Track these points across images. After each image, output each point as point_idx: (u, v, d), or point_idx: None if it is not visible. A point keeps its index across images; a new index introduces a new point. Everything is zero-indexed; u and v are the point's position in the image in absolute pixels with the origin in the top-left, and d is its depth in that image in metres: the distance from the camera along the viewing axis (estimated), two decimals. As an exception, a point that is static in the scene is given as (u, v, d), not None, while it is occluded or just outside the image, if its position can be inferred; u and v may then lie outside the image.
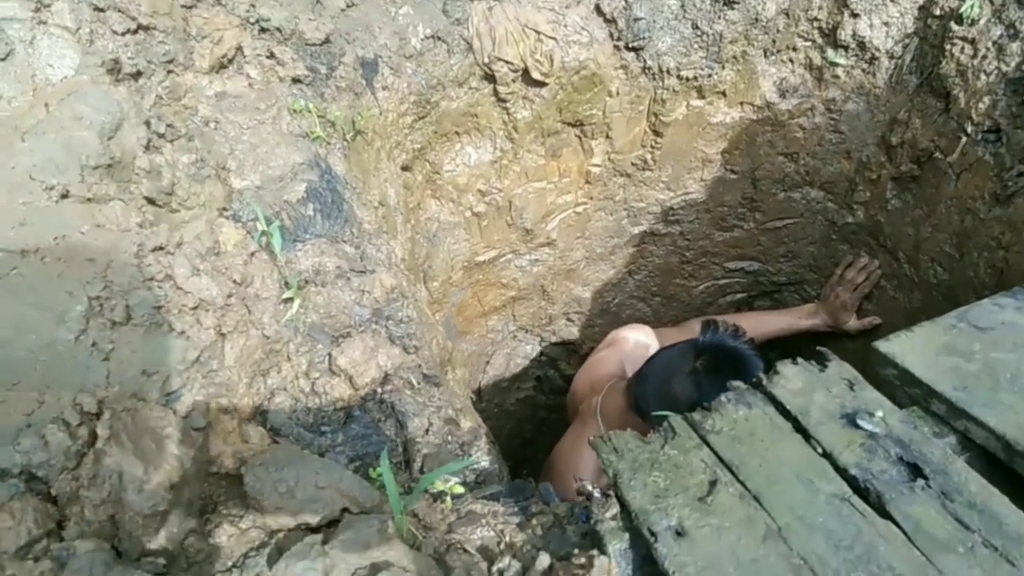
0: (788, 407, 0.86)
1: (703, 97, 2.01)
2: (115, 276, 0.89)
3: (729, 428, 0.85)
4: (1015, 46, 1.75)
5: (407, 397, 1.04)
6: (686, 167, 2.14)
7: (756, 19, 1.91)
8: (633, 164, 2.09)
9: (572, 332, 2.44)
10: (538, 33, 1.74)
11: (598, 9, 1.80)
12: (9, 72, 1.10)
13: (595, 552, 0.76)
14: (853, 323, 2.23)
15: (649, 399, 1.64)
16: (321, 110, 1.41)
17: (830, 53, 2.00)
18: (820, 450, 0.82)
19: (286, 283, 1.09)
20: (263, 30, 1.43)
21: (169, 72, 1.25)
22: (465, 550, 0.78)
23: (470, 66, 1.72)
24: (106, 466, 0.68)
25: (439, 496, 0.87)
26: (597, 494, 0.81)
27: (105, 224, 0.96)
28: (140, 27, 1.23)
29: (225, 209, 1.16)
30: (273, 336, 1.02)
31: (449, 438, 1.04)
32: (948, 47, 1.86)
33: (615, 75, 1.89)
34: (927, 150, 1.96)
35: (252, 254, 1.11)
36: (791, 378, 0.92)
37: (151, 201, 1.05)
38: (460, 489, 0.87)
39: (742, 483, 0.79)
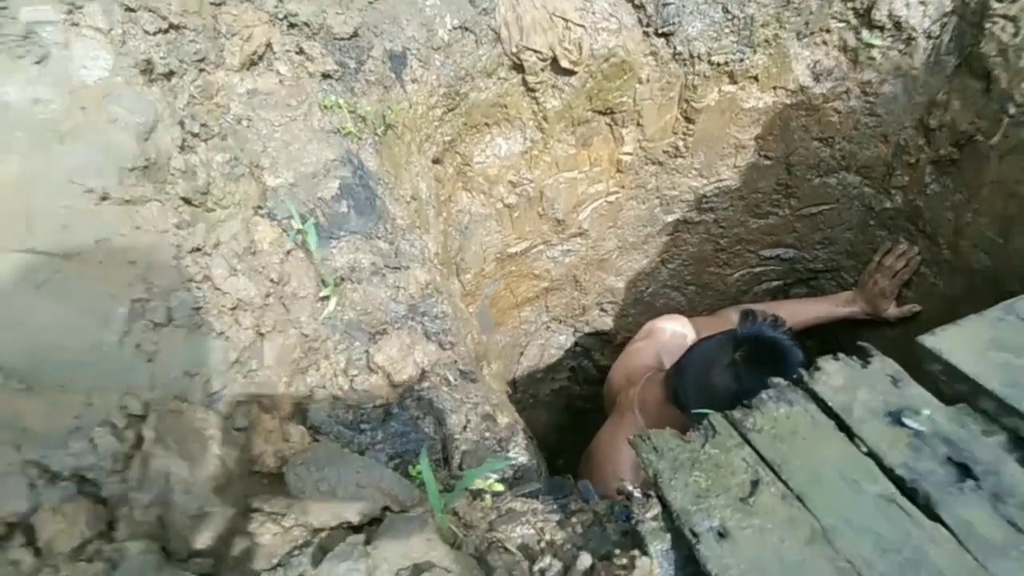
0: (830, 404, 0.85)
1: (735, 82, 1.97)
2: (155, 278, 0.90)
3: (770, 426, 0.84)
4: (1060, 23, 1.70)
5: (444, 394, 1.04)
6: (719, 154, 2.11)
7: (788, 1, 1.87)
8: (665, 152, 2.06)
9: (606, 322, 2.43)
10: (566, 21, 1.72)
11: (627, -5, 1.78)
12: (45, 75, 1.11)
13: (636, 553, 0.75)
14: (892, 311, 2.19)
15: (688, 391, 1.63)
16: (351, 105, 1.41)
17: (865, 34, 1.96)
18: (864, 449, 0.80)
19: (323, 281, 1.10)
20: (292, 25, 1.43)
21: (201, 71, 1.25)
22: (506, 549, 0.78)
23: (498, 56, 1.71)
24: (153, 468, 0.69)
25: (478, 494, 0.87)
26: (638, 494, 0.80)
27: (143, 226, 0.96)
28: (171, 26, 1.23)
29: (260, 207, 1.17)
30: (311, 334, 1.03)
31: (487, 434, 1.04)
32: (988, 25, 1.80)
33: (645, 62, 1.86)
34: (967, 133, 1.91)
35: (288, 252, 1.11)
36: (833, 374, 0.90)
37: (187, 201, 1.06)
38: (500, 487, 0.87)
39: (784, 483, 0.78)
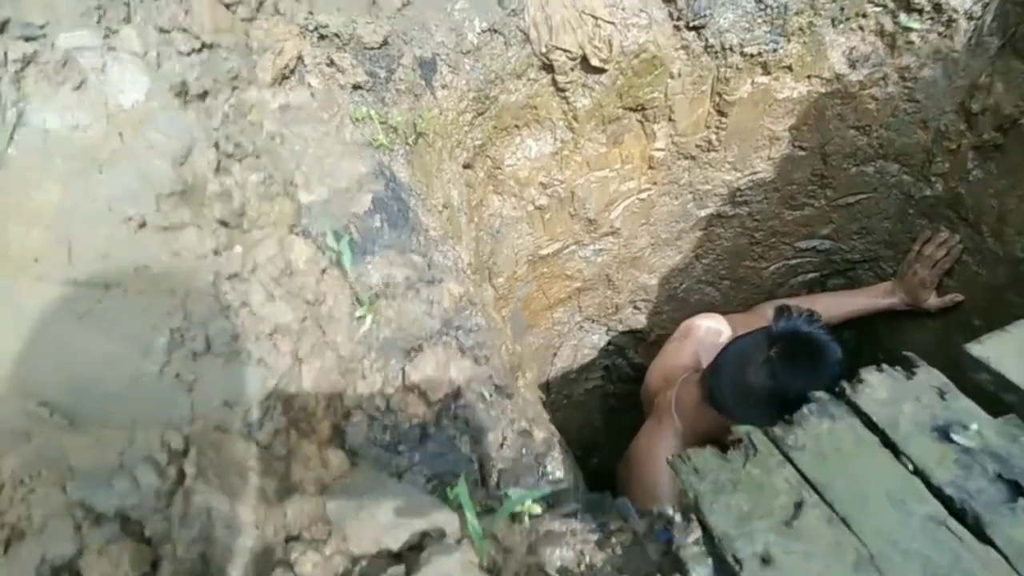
0: (875, 419, 0.83)
1: (768, 73, 1.94)
2: (194, 306, 0.92)
3: (813, 443, 0.82)
4: (1109, 1, 1.64)
5: (480, 411, 1.05)
6: (752, 146, 2.08)
7: (823, -13, 1.83)
8: (697, 146, 2.04)
9: (639, 320, 2.41)
10: (595, 18, 1.70)
11: (656, -11, 1.75)
12: (84, 101, 1.13)
13: (679, 577, 0.75)
14: (933, 300, 2.15)
15: (724, 391, 1.62)
16: (383, 116, 1.41)
17: (903, 18, 1.90)
18: (911, 467, 0.78)
19: (358, 299, 1.10)
20: (322, 37, 1.43)
21: (234, 89, 1.26)
22: (546, 574, 0.78)
23: (528, 57, 1.70)
24: (195, 504, 0.71)
25: (517, 516, 0.87)
26: (678, 519, 0.79)
27: (182, 252, 0.98)
28: (204, 45, 1.24)
29: (295, 225, 1.18)
30: (348, 355, 1.03)
31: (523, 451, 1.04)
32: (1033, 5, 1.75)
33: (676, 56, 1.83)
34: (1011, 116, 1.85)
35: (323, 271, 1.12)
36: (876, 387, 0.88)
37: (224, 224, 1.07)
38: (538, 509, 0.87)
39: (829, 505, 0.77)
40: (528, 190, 1.91)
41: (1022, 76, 1.81)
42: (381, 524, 0.80)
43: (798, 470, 0.81)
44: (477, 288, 1.49)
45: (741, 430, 1.64)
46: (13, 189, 1.00)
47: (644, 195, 2.11)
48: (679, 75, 1.85)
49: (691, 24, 1.77)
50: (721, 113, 1.97)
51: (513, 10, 1.63)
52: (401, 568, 0.74)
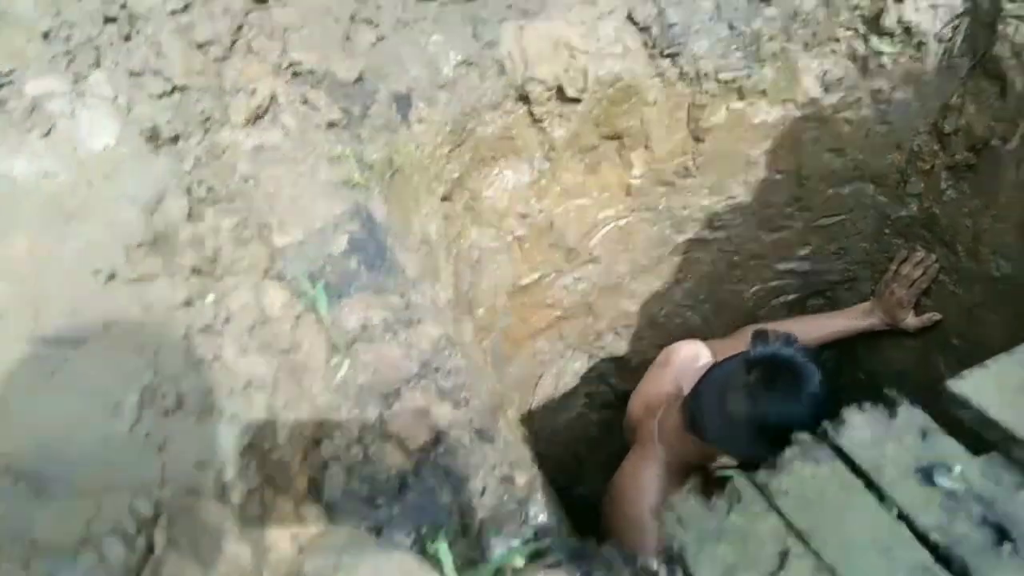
0: (858, 462, 0.83)
1: (743, 98, 1.95)
2: (165, 362, 0.90)
3: (797, 489, 0.82)
4: (1075, 24, 1.66)
5: (461, 459, 1.03)
6: (729, 171, 2.09)
7: (795, 13, 1.84)
8: (674, 172, 2.04)
9: (621, 346, 2.41)
10: (571, 49, 1.70)
11: (631, 18, 1.75)
12: (52, 148, 1.11)
13: (666, 633, 0.73)
14: (911, 320, 2.16)
15: (705, 418, 1.62)
16: (358, 153, 1.40)
17: (874, 41, 1.93)
18: (896, 512, 0.78)
19: (334, 346, 1.08)
20: (296, 75, 1.42)
21: (207, 131, 1.25)
22: (531, 631, 0.77)
23: (504, 88, 1.69)
24: None
25: (499, 571, 0.86)
26: (663, 573, 0.78)
27: (152, 304, 0.96)
28: (176, 88, 1.23)
29: (269, 270, 1.16)
30: (324, 405, 1.02)
31: (506, 497, 1.03)
32: (1001, 27, 1.77)
33: (651, 84, 1.84)
34: (983, 137, 1.87)
35: (298, 317, 1.10)
36: (859, 427, 0.88)
37: (196, 271, 1.06)
38: (521, 562, 0.86)
39: (815, 554, 0.76)
40: (507, 220, 1.90)
41: (993, 97, 1.83)
42: (361, 585, 0.78)
43: (783, 517, 0.80)
44: (457, 325, 1.47)
45: (724, 460, 1.63)
46: (-21, 242, 0.98)
47: (623, 222, 2.11)
48: (655, 103, 1.86)
49: (665, 52, 1.78)
50: (697, 139, 1.97)
51: (488, 42, 1.63)
52: (381, 634, 0.72)
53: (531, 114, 1.76)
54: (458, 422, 1.10)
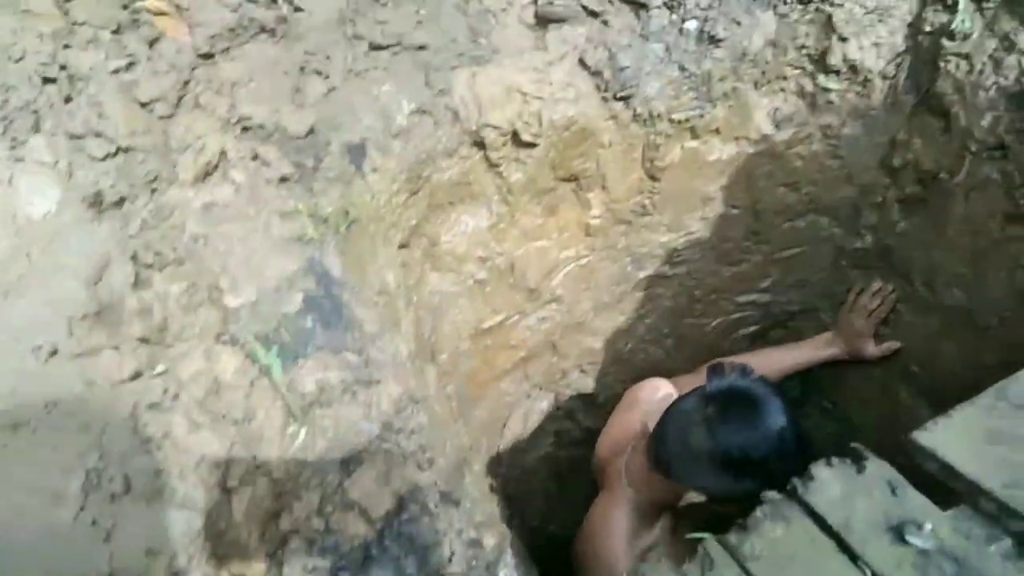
0: (829, 521, 0.82)
1: (697, 137, 1.97)
2: (111, 442, 0.86)
3: (769, 551, 0.80)
4: (1012, 59, 1.71)
5: (426, 525, 1.00)
6: (686, 208, 2.10)
7: (743, 54, 1.87)
8: (632, 211, 2.05)
9: (587, 383, 2.39)
10: (524, 95, 1.70)
11: (582, 63, 1.76)
12: (-11, 216, 1.07)
13: None
14: (872, 349, 2.18)
15: (668, 456, 1.62)
16: (311, 208, 1.37)
17: (821, 79, 1.96)
18: (870, 573, 0.77)
19: (291, 412, 1.05)
20: (245, 129, 1.40)
21: (153, 192, 1.21)
22: None
23: (459, 135, 1.69)
24: None
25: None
26: (637, 648, 0.76)
27: (97, 380, 0.92)
28: (120, 149, 1.20)
29: (222, 334, 1.12)
30: (282, 476, 0.98)
31: (474, 562, 1.00)
32: (942, 64, 1.81)
33: (605, 126, 1.85)
34: (931, 171, 1.91)
35: (252, 383, 1.07)
36: (828, 482, 0.87)
37: (144, 341, 1.02)
38: (491, 638, 0.83)
39: (789, 619, 0.74)
40: (466, 265, 1.89)
41: (938, 132, 1.87)
42: (323, 674, 0.74)
43: (755, 582, 0.78)
44: (420, 375, 1.45)
45: (691, 497, 1.62)
46: (-90, 321, 0.93)
47: (583, 261, 2.10)
48: (609, 144, 1.87)
49: (618, 95, 1.79)
50: (653, 178, 1.98)
51: (441, 90, 1.62)
52: None
53: (487, 159, 1.75)
54: (422, 485, 1.07)
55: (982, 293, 1.87)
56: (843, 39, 1.86)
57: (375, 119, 1.55)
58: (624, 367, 2.40)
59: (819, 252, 2.25)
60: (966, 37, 1.76)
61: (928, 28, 1.82)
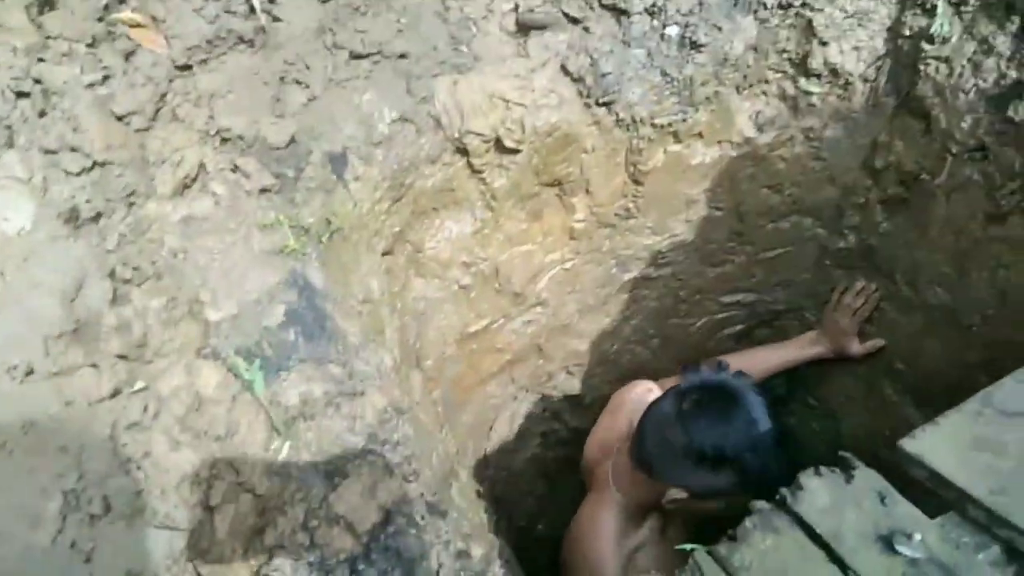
0: (818, 531, 0.81)
1: (680, 141, 1.97)
2: (90, 463, 0.84)
3: (759, 562, 0.80)
4: (991, 61, 1.72)
5: (412, 538, 0.99)
6: (670, 211, 2.10)
7: (725, 59, 1.87)
8: (616, 215, 2.05)
9: (573, 385, 2.40)
10: (506, 101, 1.70)
11: (564, 69, 1.76)
12: (-38, 234, 1.05)
13: None
14: (856, 347, 2.20)
15: (648, 454, 1.65)
16: (293, 218, 1.36)
17: (803, 82, 1.97)
18: (857, 583, 0.77)
19: (274, 427, 1.04)
20: (225, 140, 1.38)
21: (131, 206, 1.20)
22: None
23: (441, 142, 1.68)
24: None
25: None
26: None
27: (75, 399, 0.90)
28: (96, 164, 1.18)
29: (203, 348, 1.11)
30: (266, 492, 0.97)
31: (462, 574, 0.99)
32: (922, 67, 1.82)
33: (588, 132, 1.85)
34: (913, 172, 1.92)
35: (235, 397, 1.06)
36: (816, 492, 0.87)
37: (123, 357, 1.00)
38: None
39: (776, 631, 0.74)
40: (451, 271, 1.88)
41: (919, 134, 1.88)
42: None
43: (742, 593, 0.78)
44: (404, 388, 1.44)
45: (674, 494, 1.62)
46: None
47: (568, 265, 2.10)
48: (593, 149, 1.87)
49: (601, 100, 1.79)
50: (637, 182, 1.98)
51: (423, 98, 1.62)
52: None
53: (470, 166, 1.74)
54: (408, 498, 1.06)
55: (964, 292, 1.88)
56: (823, 43, 1.87)
57: (356, 128, 1.54)
58: (610, 368, 2.41)
59: (803, 252, 2.26)
60: (945, 40, 1.77)
61: (907, 32, 1.83)
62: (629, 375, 2.41)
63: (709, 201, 2.12)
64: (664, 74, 1.83)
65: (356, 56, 1.54)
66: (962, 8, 1.71)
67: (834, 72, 1.91)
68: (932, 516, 0.82)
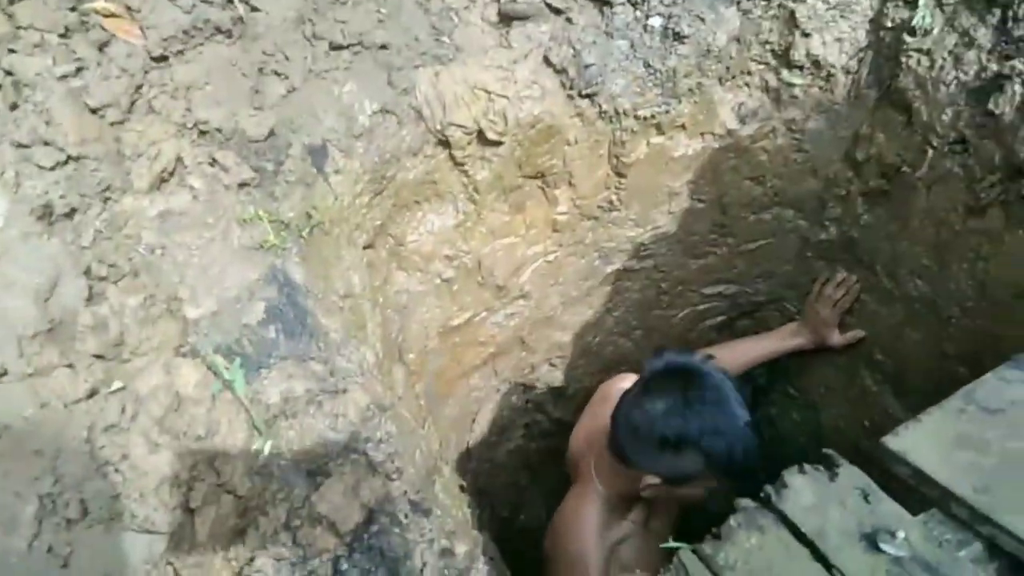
0: (803, 529, 0.82)
1: (663, 133, 1.96)
2: (66, 467, 0.83)
3: (743, 561, 0.80)
4: (971, 54, 1.72)
5: (396, 537, 0.99)
6: (653, 203, 2.10)
7: (708, 50, 1.86)
8: (599, 207, 2.04)
9: (556, 377, 2.40)
10: (488, 93, 1.68)
11: (547, 61, 1.75)
12: (-68, 231, 1.02)
13: None
14: (837, 338, 2.21)
15: (621, 441, 1.66)
16: (273, 213, 1.34)
17: (785, 74, 1.96)
18: (841, 581, 0.77)
19: (255, 427, 1.03)
20: (203, 133, 1.36)
21: (107, 201, 1.18)
22: None
23: (423, 134, 1.66)
24: None
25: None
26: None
27: (50, 401, 0.89)
28: (70, 158, 1.15)
29: (181, 346, 1.10)
30: (247, 493, 0.96)
31: (446, 572, 0.99)
32: (904, 59, 1.82)
33: (571, 123, 1.84)
34: (894, 164, 1.93)
35: (214, 396, 1.04)
36: (801, 491, 0.87)
37: (100, 357, 0.99)
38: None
39: (761, 630, 0.74)
40: (433, 264, 1.87)
41: (900, 126, 1.88)
42: None
43: (726, 593, 0.78)
44: (387, 383, 1.43)
45: (648, 480, 1.63)
46: None
47: (551, 257, 2.10)
48: (576, 141, 1.86)
49: (583, 92, 1.78)
50: (620, 174, 1.98)
51: (404, 89, 1.60)
52: None
53: (452, 158, 1.73)
54: (392, 496, 1.06)
55: (944, 284, 1.89)
56: (806, 35, 1.87)
57: (337, 120, 1.52)
58: (593, 360, 2.41)
59: (784, 244, 2.27)
60: (927, 33, 1.77)
61: (889, 24, 1.83)
62: (612, 366, 2.41)
63: (691, 193, 2.12)
64: (647, 65, 1.82)
65: (336, 47, 1.52)
66: (943, 1, 1.71)
67: (816, 64, 1.91)
68: (915, 512, 0.83)
